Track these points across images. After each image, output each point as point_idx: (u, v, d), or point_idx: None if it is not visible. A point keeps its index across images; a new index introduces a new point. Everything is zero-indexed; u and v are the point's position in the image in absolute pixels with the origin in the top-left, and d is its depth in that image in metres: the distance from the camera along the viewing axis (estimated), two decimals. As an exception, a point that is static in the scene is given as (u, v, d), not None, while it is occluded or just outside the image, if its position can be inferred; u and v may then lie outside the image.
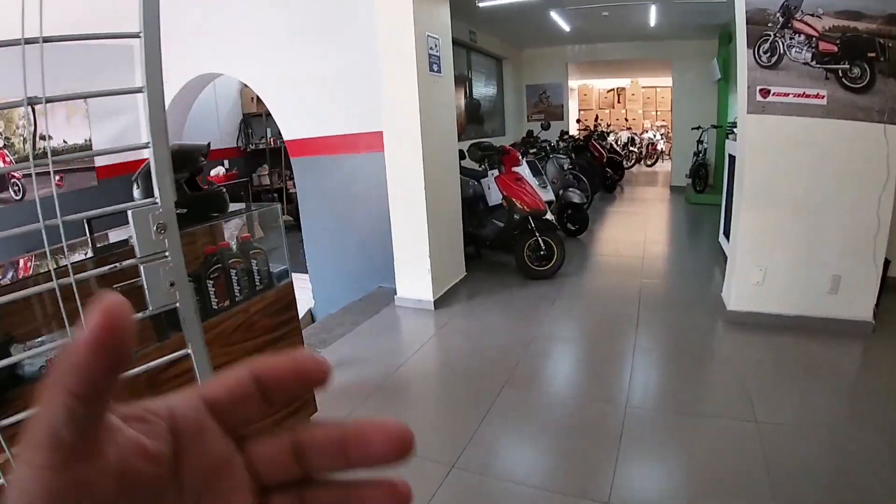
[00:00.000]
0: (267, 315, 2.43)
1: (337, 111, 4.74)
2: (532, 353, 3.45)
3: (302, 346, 2.75)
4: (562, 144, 8.05)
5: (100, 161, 6.11)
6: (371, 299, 4.68)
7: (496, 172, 5.03)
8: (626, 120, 14.77)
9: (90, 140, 5.94)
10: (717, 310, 3.82)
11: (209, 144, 2.41)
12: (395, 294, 4.42)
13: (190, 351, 1.12)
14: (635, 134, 13.45)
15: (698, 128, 8.13)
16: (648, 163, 13.30)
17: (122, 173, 6.38)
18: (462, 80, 7.97)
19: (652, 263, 5.22)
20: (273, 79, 5.14)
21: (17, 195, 5.52)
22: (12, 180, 5.48)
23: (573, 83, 14.26)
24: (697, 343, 3.52)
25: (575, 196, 6.01)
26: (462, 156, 5.60)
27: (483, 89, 8.92)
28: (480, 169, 5.28)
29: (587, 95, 15.39)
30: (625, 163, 12.04)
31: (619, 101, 15.47)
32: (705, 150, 8.22)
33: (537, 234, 4.70)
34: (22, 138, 5.47)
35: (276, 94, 5.19)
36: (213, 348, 2.11)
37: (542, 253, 4.71)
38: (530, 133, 7.43)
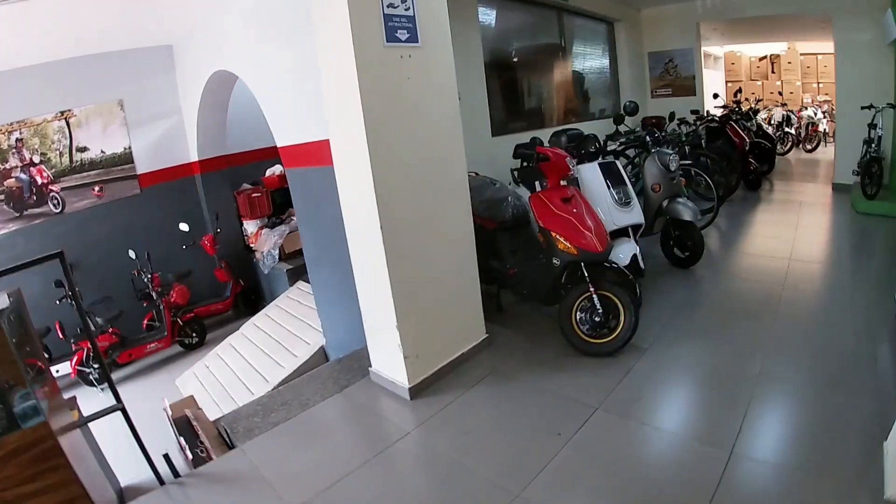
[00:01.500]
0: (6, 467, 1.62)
1: (317, 112, 3.21)
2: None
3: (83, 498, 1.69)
4: (683, 130, 5.60)
5: (141, 168, 5.32)
6: (352, 361, 3.16)
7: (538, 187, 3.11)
8: (781, 94, 11.07)
9: (129, 148, 5.18)
10: (865, 480, 1.67)
11: None
12: (370, 366, 2.85)
13: None
14: (791, 112, 9.90)
15: (870, 107, 5.21)
16: (808, 147, 9.72)
17: (167, 180, 5.57)
18: (555, 50, 5.96)
19: (782, 337, 2.84)
20: (261, 77, 3.78)
21: (56, 208, 4.92)
22: (51, 193, 4.87)
23: (716, 49, 10.97)
24: None
25: (685, 211, 3.80)
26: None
27: (587, 61, 6.74)
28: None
29: (735, 65, 11.82)
30: (778, 147, 8.82)
31: (773, 72, 11.69)
32: (879, 137, 5.27)
33: (591, 289, 2.75)
34: (58, 152, 4.81)
35: (265, 94, 3.81)
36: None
37: (596, 319, 2.76)
38: (619, 117, 4.84)
